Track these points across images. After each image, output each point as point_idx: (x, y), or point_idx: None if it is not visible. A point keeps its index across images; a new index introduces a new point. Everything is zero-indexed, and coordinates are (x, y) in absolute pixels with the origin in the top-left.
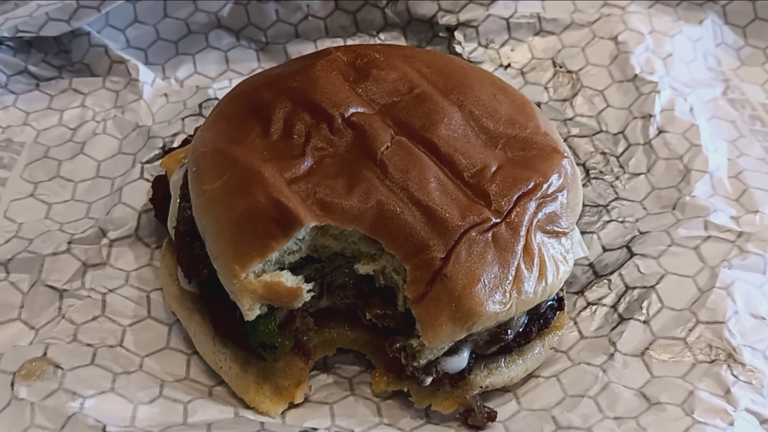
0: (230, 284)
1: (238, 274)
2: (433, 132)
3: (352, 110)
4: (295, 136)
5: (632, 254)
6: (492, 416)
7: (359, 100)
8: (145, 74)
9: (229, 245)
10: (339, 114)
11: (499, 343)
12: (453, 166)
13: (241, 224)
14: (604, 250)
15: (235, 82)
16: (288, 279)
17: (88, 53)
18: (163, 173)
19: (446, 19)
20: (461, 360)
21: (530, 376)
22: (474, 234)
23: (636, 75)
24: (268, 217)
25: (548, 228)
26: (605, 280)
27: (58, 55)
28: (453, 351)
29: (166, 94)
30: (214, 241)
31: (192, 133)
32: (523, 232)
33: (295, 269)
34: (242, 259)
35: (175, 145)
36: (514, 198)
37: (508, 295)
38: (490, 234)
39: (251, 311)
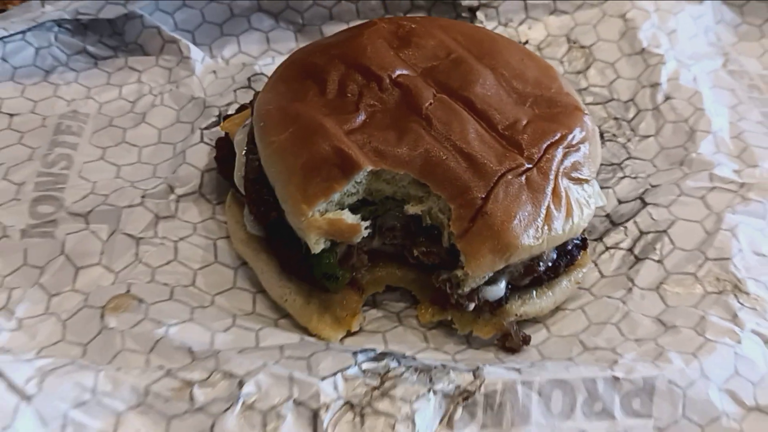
0: (299, 222)
1: (305, 212)
2: (470, 91)
3: (398, 72)
4: (349, 95)
5: (645, 204)
6: (527, 339)
7: (403, 63)
8: (196, 52)
9: (297, 188)
10: (387, 75)
11: (532, 274)
12: (488, 120)
13: (307, 169)
14: (620, 202)
15: (278, 60)
16: (348, 217)
17: (141, 34)
18: (224, 135)
19: (468, 1)
20: (499, 289)
21: (558, 309)
22: (510, 177)
23: (643, 48)
24: (330, 163)
25: (573, 175)
26: (621, 228)
27: (112, 37)
28: (492, 281)
29: (214, 71)
30: (284, 185)
31: (245, 102)
32: (552, 177)
33: (352, 210)
34: (309, 199)
35: (230, 112)
36: (544, 147)
37: (540, 230)
38: (523, 177)
39: (317, 245)
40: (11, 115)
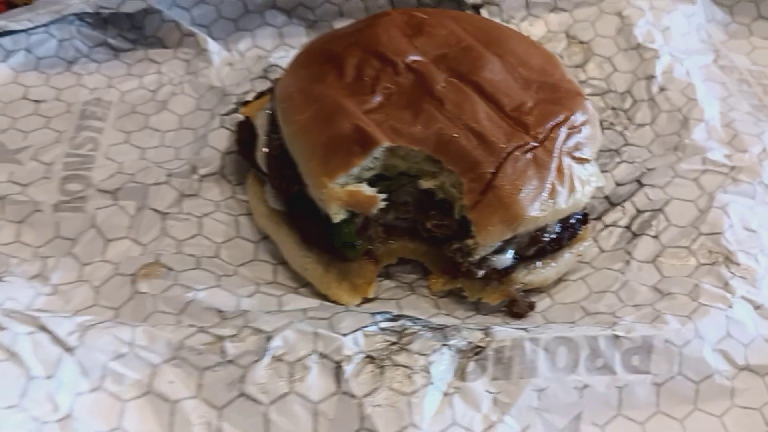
0: (320, 194)
1: (326, 184)
2: (479, 75)
3: (411, 58)
4: (366, 78)
5: (642, 185)
6: (532, 306)
7: (416, 50)
8: (213, 45)
9: (319, 163)
10: (401, 61)
11: (537, 245)
12: (497, 102)
13: (328, 146)
14: (618, 185)
15: (291, 53)
16: (366, 189)
17: (160, 28)
18: (244, 120)
19: None
20: (506, 258)
21: (560, 279)
22: (517, 154)
23: (639, 44)
24: (350, 139)
25: (575, 154)
26: (619, 207)
27: (132, 31)
28: (500, 250)
29: (230, 63)
30: (307, 160)
31: (263, 89)
32: (556, 154)
33: (369, 184)
34: (330, 173)
35: (248, 99)
36: (549, 127)
37: (545, 204)
38: (530, 154)
39: (337, 215)
40: (37, 101)
